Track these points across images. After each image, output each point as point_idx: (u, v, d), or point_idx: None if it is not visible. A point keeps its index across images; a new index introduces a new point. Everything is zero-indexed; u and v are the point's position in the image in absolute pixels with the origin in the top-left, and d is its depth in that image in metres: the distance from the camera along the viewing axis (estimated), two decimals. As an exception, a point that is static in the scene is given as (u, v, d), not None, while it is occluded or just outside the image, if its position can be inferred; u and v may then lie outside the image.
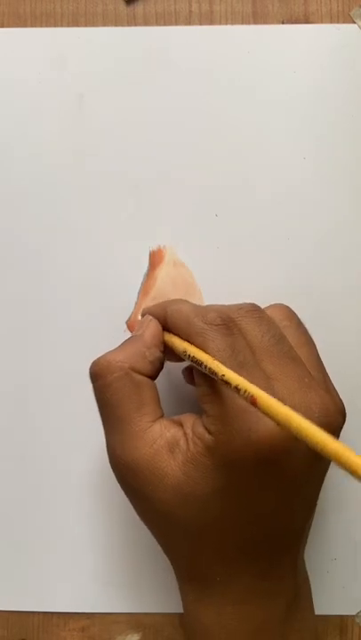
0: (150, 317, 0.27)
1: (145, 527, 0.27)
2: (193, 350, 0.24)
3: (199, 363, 0.23)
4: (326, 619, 0.31)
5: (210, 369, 0.23)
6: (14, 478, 0.32)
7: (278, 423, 0.20)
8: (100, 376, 0.25)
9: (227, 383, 0.22)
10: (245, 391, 0.21)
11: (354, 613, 0.31)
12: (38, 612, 0.32)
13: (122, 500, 0.31)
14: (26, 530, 0.32)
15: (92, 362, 0.26)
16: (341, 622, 0.31)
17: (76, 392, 0.31)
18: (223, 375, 0.22)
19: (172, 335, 0.26)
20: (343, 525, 0.31)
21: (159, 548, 0.27)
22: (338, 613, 0.31)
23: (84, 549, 0.32)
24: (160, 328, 0.27)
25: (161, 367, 0.26)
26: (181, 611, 0.27)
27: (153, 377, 0.26)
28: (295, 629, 0.26)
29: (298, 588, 0.26)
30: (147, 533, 0.27)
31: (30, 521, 0.32)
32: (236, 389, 0.21)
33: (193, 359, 0.24)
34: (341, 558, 0.31)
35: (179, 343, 0.25)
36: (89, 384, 0.31)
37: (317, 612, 0.29)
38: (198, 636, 0.26)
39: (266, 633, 0.25)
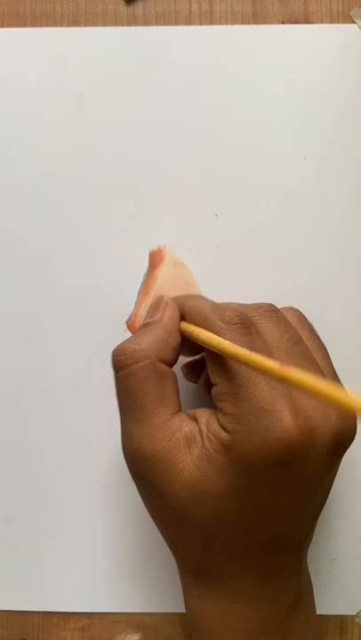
0: (166, 300, 0.26)
1: (145, 527, 0.27)
2: (217, 341, 0.23)
3: (225, 353, 0.23)
4: (326, 619, 0.31)
5: (234, 354, 0.22)
6: (14, 478, 0.32)
7: (312, 393, 0.19)
8: (124, 365, 0.25)
9: (252, 365, 0.21)
10: (272, 368, 0.20)
11: (354, 613, 0.31)
12: (38, 612, 0.32)
13: (122, 499, 0.31)
14: (26, 530, 0.32)
15: (113, 349, 0.25)
16: (341, 622, 0.31)
17: (76, 392, 0.31)
18: (249, 357, 0.21)
19: (191, 325, 0.25)
20: (344, 525, 0.31)
21: (160, 548, 0.27)
22: (338, 613, 0.31)
23: (85, 549, 0.32)
24: (177, 310, 0.26)
25: (180, 352, 0.26)
26: (182, 610, 0.27)
27: (174, 363, 0.26)
28: (298, 629, 0.26)
29: (301, 588, 0.26)
30: (147, 533, 0.27)
31: (30, 521, 0.32)
32: (263, 368, 0.21)
33: (219, 350, 0.23)
34: (341, 558, 0.31)
35: (202, 333, 0.24)
36: (89, 384, 0.31)
37: (318, 611, 0.29)
38: (202, 634, 0.26)
39: (269, 632, 0.25)
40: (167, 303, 0.26)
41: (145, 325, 0.26)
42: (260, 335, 0.24)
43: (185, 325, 0.26)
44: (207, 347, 0.24)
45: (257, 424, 0.23)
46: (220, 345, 0.23)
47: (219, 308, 0.25)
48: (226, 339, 0.23)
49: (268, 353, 0.24)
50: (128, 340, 0.25)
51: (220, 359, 0.24)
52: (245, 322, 0.24)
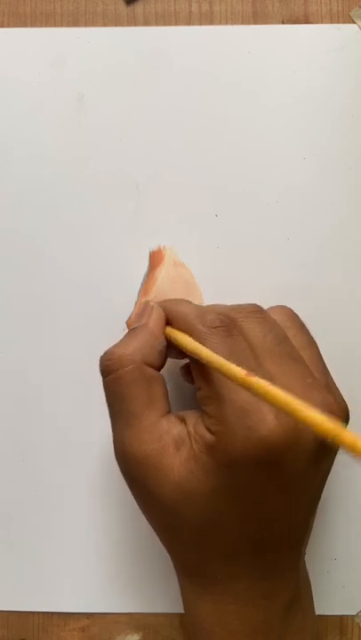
0: (152, 304, 0.27)
1: (145, 527, 0.27)
2: (194, 346, 0.24)
3: (200, 359, 0.23)
4: (326, 619, 0.31)
5: (207, 360, 0.23)
6: (14, 478, 0.32)
7: (272, 403, 0.20)
8: (111, 370, 0.25)
9: (221, 371, 0.22)
10: (237, 375, 0.21)
11: (354, 613, 0.31)
12: (38, 612, 0.32)
13: (122, 499, 0.31)
14: (26, 530, 0.32)
15: (101, 355, 0.26)
16: (341, 622, 0.31)
17: (76, 391, 0.31)
18: (219, 363, 0.22)
19: (174, 330, 0.26)
20: (344, 525, 0.31)
21: (159, 548, 0.27)
22: (338, 613, 0.31)
23: (84, 549, 0.32)
24: (163, 315, 0.26)
25: (167, 355, 0.26)
26: (181, 611, 0.27)
27: (161, 367, 0.26)
28: (296, 629, 0.26)
29: (299, 588, 0.26)
30: (147, 533, 0.27)
31: (30, 521, 0.32)
32: (229, 374, 0.21)
33: (195, 355, 0.24)
34: (341, 558, 0.31)
35: (182, 338, 0.25)
36: (89, 384, 0.31)
37: (317, 611, 0.29)
38: (199, 634, 0.26)
39: (267, 632, 0.25)
40: (153, 308, 0.27)
41: (131, 330, 0.27)
42: (243, 336, 0.25)
43: (169, 330, 0.26)
44: (188, 353, 0.24)
45: (240, 425, 0.23)
46: (196, 351, 0.24)
47: (202, 311, 0.25)
48: (207, 342, 0.24)
49: (252, 353, 0.24)
50: (115, 345, 0.26)
51: (201, 364, 0.24)
52: (227, 324, 0.25)
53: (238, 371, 0.21)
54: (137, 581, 0.32)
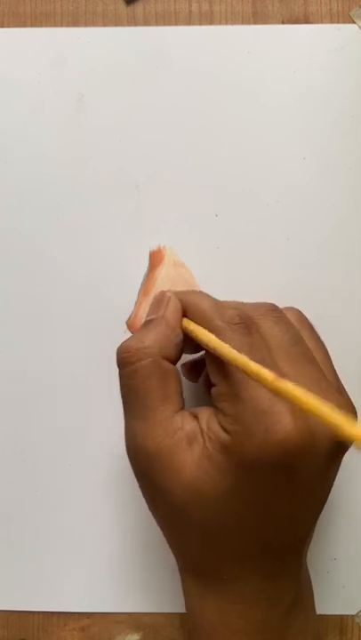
0: (168, 295, 0.26)
1: (145, 527, 0.27)
2: (217, 343, 0.23)
3: (222, 356, 0.23)
4: (326, 619, 0.31)
5: (231, 359, 0.22)
6: (14, 478, 0.32)
7: (295, 403, 0.20)
8: (128, 363, 0.25)
9: (247, 372, 0.21)
10: (267, 378, 0.21)
11: (354, 613, 0.31)
12: (38, 612, 0.32)
13: (122, 499, 0.31)
14: (26, 530, 0.32)
15: (118, 347, 0.25)
16: (341, 622, 0.31)
17: (76, 391, 0.31)
18: (245, 364, 0.21)
19: (192, 323, 0.25)
20: (344, 525, 0.31)
21: (160, 547, 0.27)
22: (338, 613, 0.31)
23: (85, 549, 0.32)
24: (180, 307, 0.26)
25: (183, 349, 0.26)
26: (182, 610, 0.27)
27: (178, 360, 0.26)
28: (297, 629, 0.26)
29: (301, 589, 0.26)
30: (147, 533, 0.27)
31: (31, 521, 0.32)
32: (258, 377, 0.21)
33: (217, 352, 0.23)
34: (341, 558, 0.31)
35: (203, 334, 0.24)
36: (89, 383, 0.31)
37: (317, 611, 0.29)
38: (201, 633, 0.26)
39: (269, 632, 0.25)
40: (170, 298, 0.26)
41: (148, 322, 0.26)
42: (260, 335, 0.24)
43: (186, 323, 0.26)
44: (207, 348, 0.24)
45: (257, 426, 0.23)
46: (218, 348, 0.23)
47: (220, 306, 0.25)
48: (226, 338, 0.23)
49: (269, 353, 0.24)
50: (132, 338, 0.25)
51: (219, 359, 0.24)
52: (246, 321, 0.24)
53: (267, 373, 0.21)
54: (137, 581, 0.32)
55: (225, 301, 0.26)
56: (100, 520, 0.32)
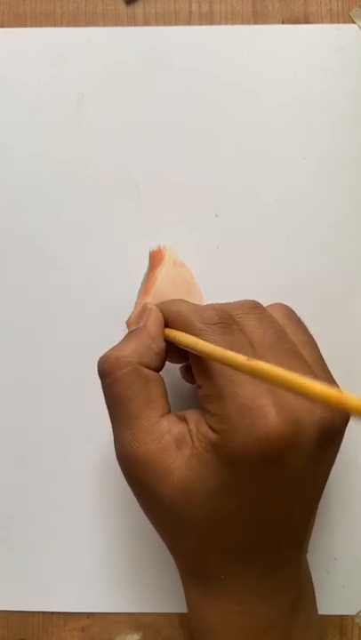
0: (150, 307, 0.27)
1: (145, 527, 0.27)
2: (193, 341, 0.24)
3: (200, 353, 0.23)
4: (326, 618, 0.31)
5: (207, 353, 0.22)
6: (14, 478, 0.32)
7: (276, 384, 0.20)
8: (108, 372, 0.25)
9: (224, 362, 0.22)
10: (240, 361, 0.21)
11: (354, 613, 0.31)
12: (38, 612, 0.32)
13: (122, 499, 0.31)
14: (26, 530, 0.32)
15: (99, 358, 0.26)
16: (341, 622, 0.31)
17: (76, 392, 0.31)
18: (221, 354, 0.22)
19: (172, 330, 0.26)
20: (343, 525, 0.31)
21: (159, 547, 0.27)
22: (338, 613, 0.31)
23: (85, 549, 0.32)
24: (161, 317, 0.26)
25: (166, 358, 0.26)
26: (182, 610, 0.27)
27: (159, 368, 0.26)
28: (299, 628, 0.26)
29: (301, 587, 0.26)
30: (147, 533, 0.27)
31: (30, 521, 0.32)
32: (233, 362, 0.21)
33: (194, 350, 0.23)
34: (341, 558, 0.31)
35: (180, 336, 0.25)
36: (89, 384, 0.31)
37: (318, 611, 0.29)
38: (203, 635, 0.26)
39: (270, 632, 0.25)
40: (151, 310, 0.27)
41: (129, 333, 0.27)
42: (242, 332, 0.25)
43: (168, 331, 0.26)
44: (188, 349, 0.24)
45: (242, 422, 0.23)
46: (197, 346, 0.23)
47: (199, 309, 0.25)
48: (206, 339, 0.24)
49: (252, 349, 0.24)
50: (112, 348, 0.26)
51: (203, 362, 0.24)
52: (226, 320, 0.25)
53: (239, 357, 0.21)
54: (137, 581, 0.32)
55: (205, 304, 0.26)
56: (99, 520, 0.32)
